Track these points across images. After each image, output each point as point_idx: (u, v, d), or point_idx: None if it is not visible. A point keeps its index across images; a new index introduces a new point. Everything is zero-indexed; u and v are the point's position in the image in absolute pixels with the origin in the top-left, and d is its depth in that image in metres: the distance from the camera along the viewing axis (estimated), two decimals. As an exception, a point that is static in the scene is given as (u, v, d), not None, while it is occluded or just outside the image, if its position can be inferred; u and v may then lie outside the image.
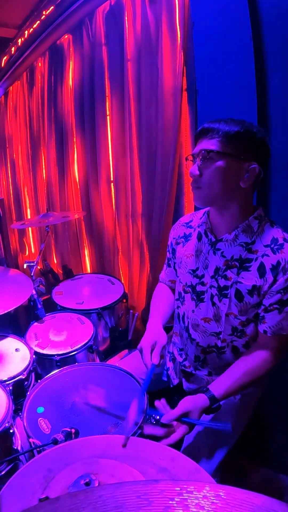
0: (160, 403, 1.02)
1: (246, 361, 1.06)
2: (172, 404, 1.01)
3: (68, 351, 1.54)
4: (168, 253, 1.30)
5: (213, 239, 1.08)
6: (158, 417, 1.02)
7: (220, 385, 1.02)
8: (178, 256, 1.22)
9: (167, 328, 1.24)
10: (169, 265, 1.32)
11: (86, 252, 2.83)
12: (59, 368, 1.30)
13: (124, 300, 2.02)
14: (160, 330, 1.16)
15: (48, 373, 1.28)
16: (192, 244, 1.16)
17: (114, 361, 1.74)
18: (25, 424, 1.06)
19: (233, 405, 1.18)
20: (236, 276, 1.03)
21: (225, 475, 1.20)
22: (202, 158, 0.96)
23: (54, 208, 2.99)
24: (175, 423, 0.98)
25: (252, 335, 1.09)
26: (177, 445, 1.05)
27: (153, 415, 1.03)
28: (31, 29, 2.52)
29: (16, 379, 1.32)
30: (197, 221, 1.19)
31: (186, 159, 1.05)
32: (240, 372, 1.04)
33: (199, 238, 1.14)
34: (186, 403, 0.98)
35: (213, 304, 1.09)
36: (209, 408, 1.00)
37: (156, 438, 0.92)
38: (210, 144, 0.96)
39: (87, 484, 0.71)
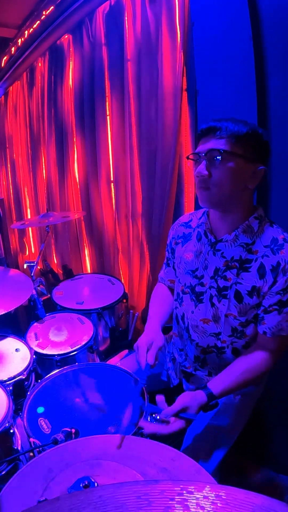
0: (160, 398, 1.03)
1: (245, 360, 1.06)
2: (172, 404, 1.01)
3: (68, 351, 1.54)
4: (167, 252, 1.30)
5: (213, 240, 1.07)
6: (158, 417, 1.02)
7: (218, 382, 1.03)
8: (177, 256, 1.21)
9: (166, 329, 1.24)
10: (168, 265, 1.31)
11: (86, 252, 2.83)
12: (59, 368, 1.30)
13: (124, 300, 2.02)
14: (158, 331, 1.16)
15: (48, 373, 1.28)
16: (191, 244, 1.16)
17: (114, 361, 1.74)
18: (25, 424, 1.06)
19: (232, 405, 1.17)
20: (236, 277, 1.03)
21: (225, 475, 1.20)
22: (212, 158, 0.94)
23: (54, 208, 2.99)
24: (172, 419, 0.98)
25: (252, 336, 1.08)
26: (177, 445, 1.05)
27: (154, 415, 1.03)
28: (31, 29, 2.52)
29: (16, 379, 1.33)
30: (196, 221, 1.19)
31: (188, 158, 1.02)
32: (239, 371, 1.04)
33: (199, 238, 1.13)
34: (185, 398, 0.99)
35: (212, 305, 1.09)
36: (206, 405, 1.00)
37: (156, 437, 0.93)
38: (219, 144, 0.93)
39: (86, 487, 0.71)
